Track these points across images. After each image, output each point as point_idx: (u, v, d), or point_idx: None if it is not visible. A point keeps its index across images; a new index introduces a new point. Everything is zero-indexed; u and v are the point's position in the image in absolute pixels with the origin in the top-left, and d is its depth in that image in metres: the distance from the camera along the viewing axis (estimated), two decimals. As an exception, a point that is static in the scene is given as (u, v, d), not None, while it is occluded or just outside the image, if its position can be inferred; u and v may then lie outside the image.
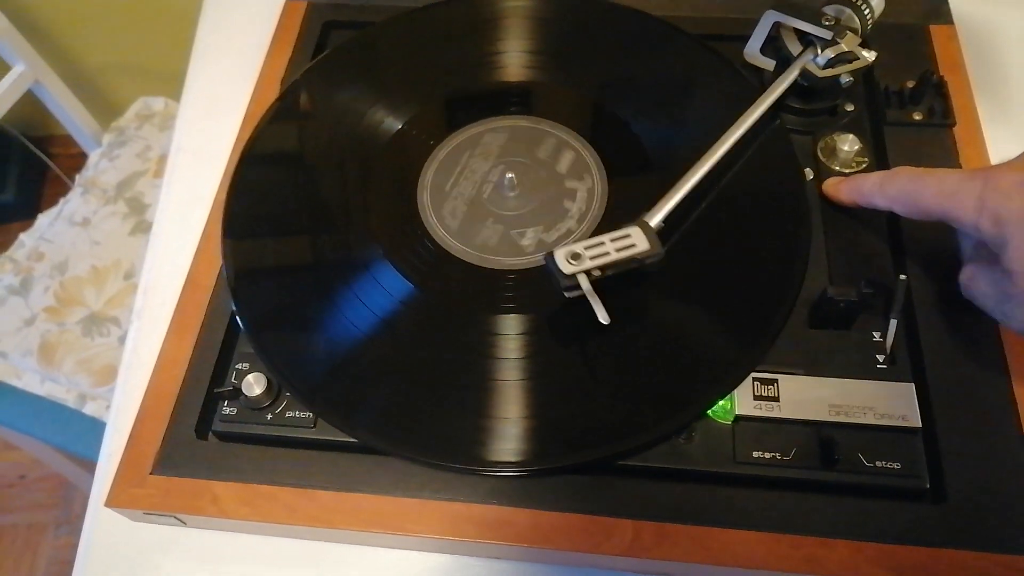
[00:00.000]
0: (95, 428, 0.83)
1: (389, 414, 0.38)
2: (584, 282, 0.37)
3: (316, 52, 0.53)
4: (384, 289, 0.41)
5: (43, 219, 0.95)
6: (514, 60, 0.50)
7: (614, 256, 0.37)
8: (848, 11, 0.46)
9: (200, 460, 0.39)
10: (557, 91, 0.49)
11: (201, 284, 0.44)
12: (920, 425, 0.37)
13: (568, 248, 0.37)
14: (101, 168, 0.98)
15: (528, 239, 0.43)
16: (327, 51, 0.52)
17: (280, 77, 0.52)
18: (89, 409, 0.84)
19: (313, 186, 0.46)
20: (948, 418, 0.37)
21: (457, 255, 0.43)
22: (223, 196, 0.46)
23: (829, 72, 0.44)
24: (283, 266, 0.43)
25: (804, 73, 0.45)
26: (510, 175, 0.44)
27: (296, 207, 0.45)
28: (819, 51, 0.44)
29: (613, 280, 0.39)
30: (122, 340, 0.86)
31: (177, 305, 0.43)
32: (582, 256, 0.37)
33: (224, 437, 0.40)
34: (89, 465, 1.14)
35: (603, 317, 0.36)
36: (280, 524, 0.37)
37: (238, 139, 0.50)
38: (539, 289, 0.41)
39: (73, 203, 0.95)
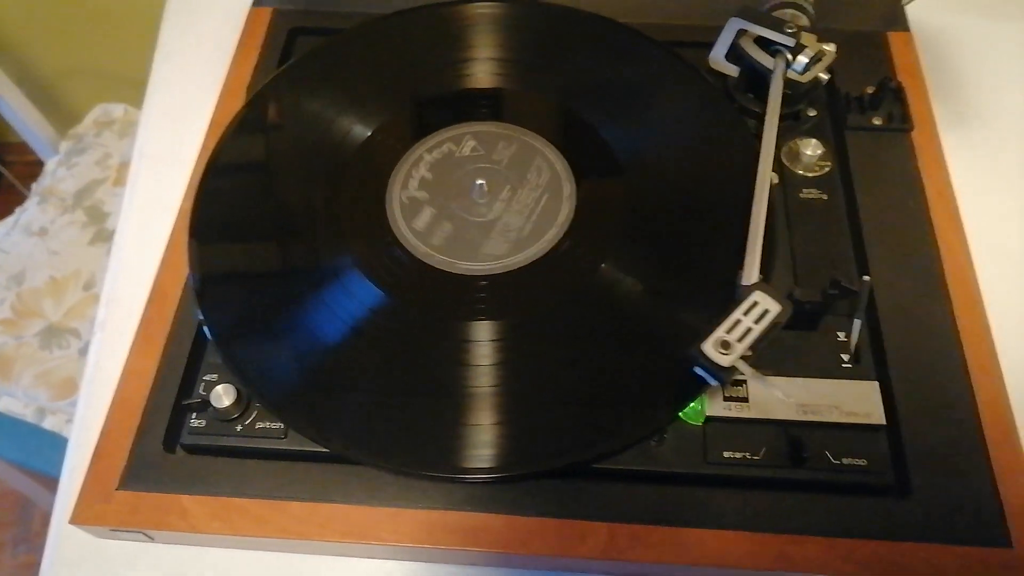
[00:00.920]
0: (55, 443, 0.81)
1: (361, 423, 0.38)
2: (746, 367, 0.35)
3: (282, 59, 0.53)
4: (354, 297, 0.41)
5: (-2, 229, 0.93)
6: (483, 67, 0.50)
7: (757, 329, 0.35)
8: (790, 10, 0.47)
9: (168, 474, 0.38)
10: (525, 97, 0.49)
11: (167, 294, 0.43)
12: (884, 422, 0.38)
13: (713, 339, 0.35)
14: (59, 176, 0.96)
15: (500, 244, 0.43)
16: (295, 57, 0.51)
17: (246, 83, 0.51)
18: (48, 423, 0.82)
19: (282, 194, 0.45)
20: (911, 415, 0.38)
21: (427, 262, 0.42)
22: (189, 204, 0.45)
23: (810, 75, 0.45)
24: (251, 275, 0.43)
25: (788, 83, 0.46)
26: (480, 181, 0.44)
27: (264, 215, 0.45)
28: (789, 58, 0.45)
29: (580, 286, 0.39)
30: (82, 352, 0.84)
31: (142, 316, 0.43)
32: (731, 343, 0.35)
33: (193, 450, 0.39)
34: (48, 481, 1.11)
35: (786, 395, 0.36)
36: (252, 537, 0.37)
37: (204, 146, 0.49)
38: (510, 295, 0.41)
39: (30, 212, 0.93)
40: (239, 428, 0.39)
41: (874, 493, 0.37)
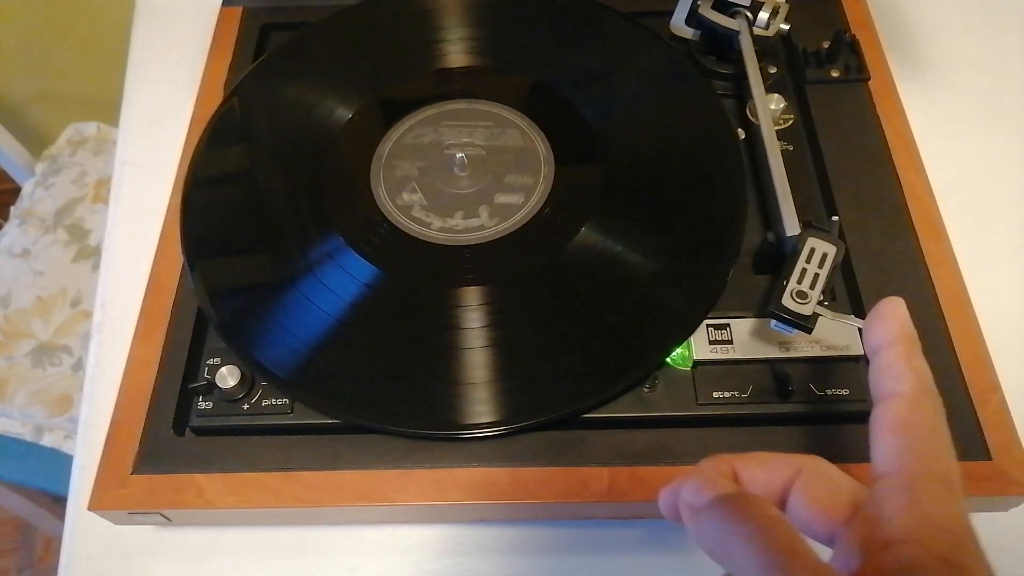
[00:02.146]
0: (55, 459, 0.82)
1: (364, 391, 0.39)
2: (825, 311, 0.37)
3: (257, 55, 0.54)
4: (347, 273, 0.42)
5: (-21, 254, 0.93)
6: (453, 47, 0.51)
7: (824, 273, 0.38)
8: None
9: (181, 455, 0.39)
10: (497, 73, 0.51)
11: (164, 287, 0.44)
12: (863, 352, 0.40)
13: (789, 292, 0.37)
14: (37, 197, 0.96)
15: (483, 214, 0.44)
16: (270, 50, 0.53)
17: (223, 82, 0.53)
18: (47, 440, 0.82)
19: (270, 181, 0.47)
20: (887, 344, 0.40)
21: (415, 235, 0.44)
22: (178, 200, 0.46)
23: (774, 28, 0.47)
24: (247, 261, 0.44)
25: (757, 39, 0.48)
26: (459, 155, 0.46)
27: (255, 203, 0.46)
28: (750, 16, 0.47)
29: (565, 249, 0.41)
30: (75, 368, 0.84)
31: (142, 310, 0.44)
32: (806, 292, 0.37)
33: (202, 432, 0.40)
34: (49, 503, 1.11)
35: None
36: (267, 509, 0.38)
37: (187, 142, 0.50)
38: (496, 261, 0.43)
39: (10, 235, 0.93)
40: (246, 407, 0.40)
41: (858, 420, 0.39)
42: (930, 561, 0.22)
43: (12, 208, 0.96)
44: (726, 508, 0.24)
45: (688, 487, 0.25)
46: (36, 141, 1.10)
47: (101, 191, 0.96)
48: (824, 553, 0.24)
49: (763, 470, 0.26)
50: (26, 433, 0.82)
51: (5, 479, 0.85)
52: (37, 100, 1.18)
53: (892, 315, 0.29)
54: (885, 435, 0.26)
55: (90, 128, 1.02)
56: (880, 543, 0.23)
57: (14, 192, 1.04)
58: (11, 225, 0.94)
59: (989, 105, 0.56)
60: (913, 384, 0.27)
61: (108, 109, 1.09)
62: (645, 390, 0.40)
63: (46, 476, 0.82)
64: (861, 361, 0.40)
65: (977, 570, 0.22)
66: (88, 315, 0.87)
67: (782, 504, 0.26)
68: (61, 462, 0.82)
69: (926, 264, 0.43)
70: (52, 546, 1.17)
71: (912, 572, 0.22)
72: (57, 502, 1.15)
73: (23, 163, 1.02)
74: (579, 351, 0.40)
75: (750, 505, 0.24)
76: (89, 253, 0.91)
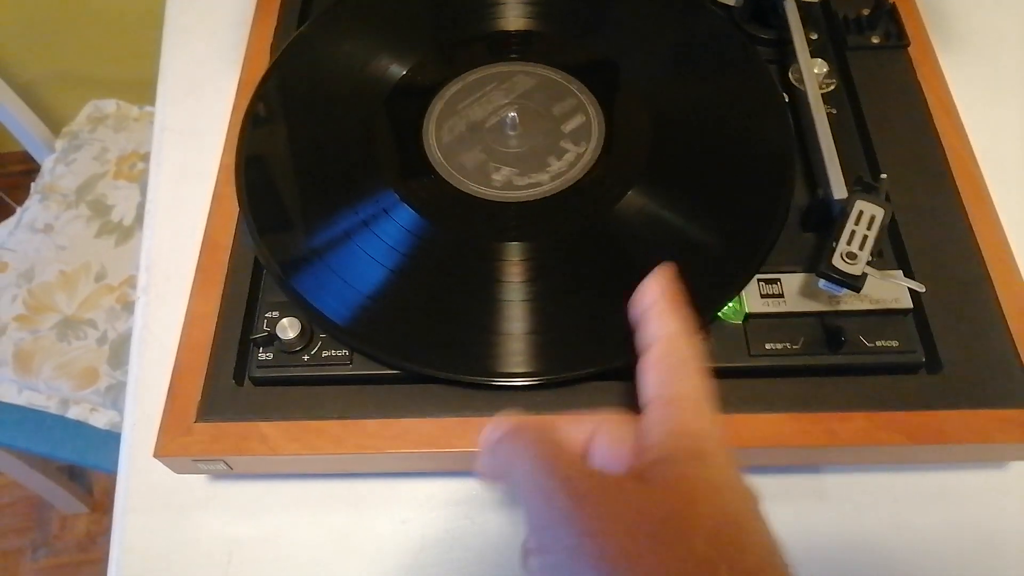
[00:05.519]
0: (80, 431, 0.82)
1: (422, 341, 0.40)
2: (873, 271, 0.38)
3: (301, 19, 0.54)
4: (402, 227, 0.43)
5: (1, 230, 0.93)
6: (508, 11, 0.52)
7: (872, 235, 0.38)
8: None
9: (243, 405, 0.40)
10: (549, 37, 0.51)
11: (219, 244, 0.45)
12: (911, 306, 0.41)
13: (839, 253, 0.38)
14: (58, 173, 0.96)
15: (538, 172, 0.45)
16: (320, 10, 0.53)
17: (269, 44, 0.53)
18: (73, 413, 0.82)
19: (325, 138, 0.47)
20: (934, 296, 0.41)
21: (466, 191, 0.44)
22: (230, 160, 0.46)
23: None
24: (305, 217, 0.44)
25: (800, 5, 0.49)
26: (512, 114, 0.46)
27: (310, 160, 0.46)
28: None
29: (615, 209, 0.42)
30: (100, 342, 0.85)
31: (198, 266, 0.44)
32: (855, 253, 0.38)
33: (262, 382, 0.41)
34: (64, 480, 1.12)
35: (919, 287, 0.39)
36: (330, 456, 0.39)
37: (235, 107, 0.50)
38: (553, 219, 0.44)
39: (32, 210, 0.93)
40: (306, 358, 0.40)
41: (908, 370, 0.40)
42: (679, 453, 0.27)
43: (33, 184, 0.96)
44: (509, 432, 0.29)
45: (485, 431, 0.30)
46: (53, 119, 1.10)
47: (123, 167, 0.96)
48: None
49: (573, 428, 0.30)
50: (52, 406, 0.82)
51: (31, 451, 0.85)
52: (54, 79, 1.18)
53: (654, 282, 0.34)
54: (647, 372, 0.31)
55: (110, 105, 1.02)
56: (643, 449, 0.28)
57: (21, 176, 1.05)
58: (32, 200, 0.94)
59: (1022, 75, 0.57)
60: (669, 329, 0.32)
61: (125, 88, 1.09)
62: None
63: (71, 448, 0.83)
64: (909, 314, 0.41)
65: (717, 454, 0.27)
66: (112, 289, 0.87)
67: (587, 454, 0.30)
68: (87, 435, 0.82)
69: (969, 221, 0.44)
70: (67, 524, 1.17)
71: (663, 461, 0.27)
72: (73, 479, 1.16)
73: (43, 139, 1.02)
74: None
75: (527, 424, 0.29)
76: (111, 228, 0.91)
